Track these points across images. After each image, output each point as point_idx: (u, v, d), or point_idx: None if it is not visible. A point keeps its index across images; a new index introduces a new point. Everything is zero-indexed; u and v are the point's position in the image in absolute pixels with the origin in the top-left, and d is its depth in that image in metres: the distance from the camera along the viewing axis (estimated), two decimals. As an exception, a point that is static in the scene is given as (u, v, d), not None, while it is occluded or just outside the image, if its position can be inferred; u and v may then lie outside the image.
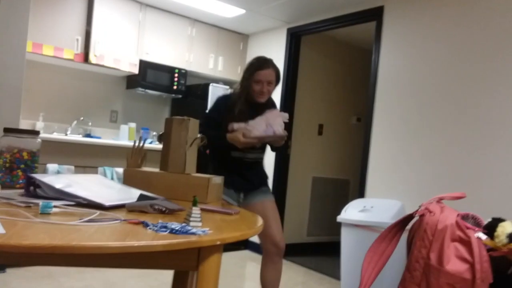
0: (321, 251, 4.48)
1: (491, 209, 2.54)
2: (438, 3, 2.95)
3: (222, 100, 2.32)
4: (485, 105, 2.64)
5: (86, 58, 3.60)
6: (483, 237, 1.11)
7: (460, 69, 2.79)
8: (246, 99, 2.24)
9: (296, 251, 4.19)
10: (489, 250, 1.12)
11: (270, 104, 2.35)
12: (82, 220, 0.98)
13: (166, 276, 3.11)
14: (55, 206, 1.08)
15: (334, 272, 3.49)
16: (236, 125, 2.11)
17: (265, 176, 2.40)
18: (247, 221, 1.33)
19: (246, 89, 2.23)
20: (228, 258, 3.84)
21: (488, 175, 2.58)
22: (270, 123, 2.08)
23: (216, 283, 1.04)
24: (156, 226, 0.99)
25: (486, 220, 1.17)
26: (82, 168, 3.35)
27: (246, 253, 4.11)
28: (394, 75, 3.19)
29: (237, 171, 2.24)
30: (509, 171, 2.50)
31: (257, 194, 2.29)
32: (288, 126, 3.01)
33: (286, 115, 2.17)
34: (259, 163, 2.34)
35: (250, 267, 3.76)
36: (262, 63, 2.22)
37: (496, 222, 1.16)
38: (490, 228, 1.16)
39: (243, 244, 4.23)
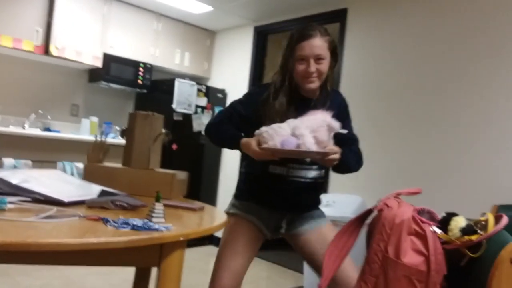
0: (285, 245, 4.53)
1: (445, 204, 2.66)
2: (400, 7, 3.05)
3: (257, 91, 1.63)
4: (441, 106, 2.76)
5: (46, 50, 3.45)
6: (438, 231, 1.16)
7: (420, 70, 2.90)
8: (293, 90, 1.55)
9: (261, 246, 4.22)
10: (443, 243, 1.17)
11: (333, 102, 1.59)
12: (39, 217, 0.95)
13: (128, 273, 3.04)
14: (10, 202, 1.04)
15: (297, 266, 3.53)
16: (264, 128, 1.42)
17: (318, 200, 1.70)
18: (211, 216, 1.33)
19: (289, 74, 1.53)
20: (193, 254, 3.81)
21: (443, 172, 2.71)
22: (301, 132, 1.36)
23: (179, 279, 1.03)
24: (117, 223, 0.97)
25: (440, 215, 1.22)
26: (40, 163, 3.22)
27: (210, 249, 4.09)
28: (357, 75, 3.27)
29: (277, 194, 1.59)
30: (462, 169, 2.63)
31: (308, 220, 1.63)
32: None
33: (335, 125, 1.39)
34: (313, 185, 1.61)
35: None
36: (306, 30, 1.52)
37: (449, 216, 1.21)
38: (444, 222, 1.21)
39: (207, 240, 4.22)
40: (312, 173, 1.58)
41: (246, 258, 1.55)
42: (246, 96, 1.67)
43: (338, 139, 1.43)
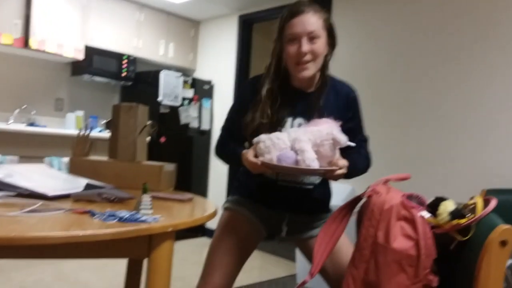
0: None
1: (435, 190, 2.69)
2: (386, -7, 3.04)
3: (249, 85, 1.43)
4: (430, 93, 2.78)
5: (26, 43, 3.37)
6: (427, 215, 1.17)
7: (407, 58, 2.91)
8: (283, 78, 1.35)
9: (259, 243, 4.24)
10: (432, 227, 1.17)
11: (338, 95, 1.42)
12: (23, 211, 0.93)
13: (121, 266, 3.03)
14: (-8, 198, 1.01)
15: (289, 255, 3.55)
16: (263, 137, 1.26)
17: (323, 205, 1.53)
18: (200, 207, 1.31)
19: (277, 59, 1.34)
20: (185, 246, 3.81)
21: (433, 159, 2.73)
22: (301, 146, 1.21)
23: (169, 270, 1.02)
24: (103, 215, 0.95)
25: (429, 199, 1.23)
26: (27, 159, 3.16)
27: (203, 240, 4.10)
28: (342, 64, 3.27)
29: (272, 196, 1.43)
30: (452, 155, 2.65)
31: (315, 224, 1.46)
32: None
33: (342, 139, 1.23)
34: (312, 191, 1.45)
35: (207, 255, 3.76)
36: (297, 6, 1.33)
37: (438, 201, 1.22)
38: (433, 207, 1.21)
39: (200, 231, 4.22)
40: (311, 178, 1.41)
41: (240, 254, 1.42)
42: (236, 99, 1.52)
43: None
